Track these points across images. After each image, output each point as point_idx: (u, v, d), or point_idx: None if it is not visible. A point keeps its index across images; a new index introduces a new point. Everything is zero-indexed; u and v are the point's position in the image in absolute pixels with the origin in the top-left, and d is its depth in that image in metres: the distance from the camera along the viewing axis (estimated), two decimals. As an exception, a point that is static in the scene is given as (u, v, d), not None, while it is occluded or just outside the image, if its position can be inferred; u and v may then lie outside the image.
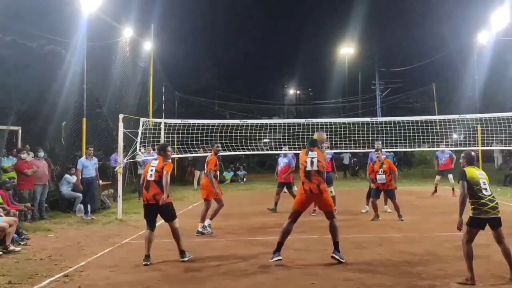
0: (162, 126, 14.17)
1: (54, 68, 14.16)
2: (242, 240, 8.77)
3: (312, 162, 6.86)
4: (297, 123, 15.38)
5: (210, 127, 14.75)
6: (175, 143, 15.11)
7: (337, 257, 6.71)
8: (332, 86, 41.97)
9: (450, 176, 14.96)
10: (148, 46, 20.50)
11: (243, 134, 14.34)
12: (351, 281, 5.89)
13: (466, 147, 16.07)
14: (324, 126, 14.66)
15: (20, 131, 13.94)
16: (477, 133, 15.77)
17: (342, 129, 15.77)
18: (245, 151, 14.07)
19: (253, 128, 14.59)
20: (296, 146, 13.95)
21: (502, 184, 18.02)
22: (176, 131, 14.39)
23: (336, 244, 6.82)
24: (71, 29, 14.21)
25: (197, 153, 15.09)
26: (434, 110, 26.53)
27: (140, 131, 12.29)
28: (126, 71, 18.31)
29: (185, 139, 14.06)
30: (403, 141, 14.00)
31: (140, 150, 12.46)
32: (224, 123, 14.90)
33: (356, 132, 15.24)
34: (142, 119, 12.77)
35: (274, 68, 55.35)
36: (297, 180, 8.33)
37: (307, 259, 7.00)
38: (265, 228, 9.97)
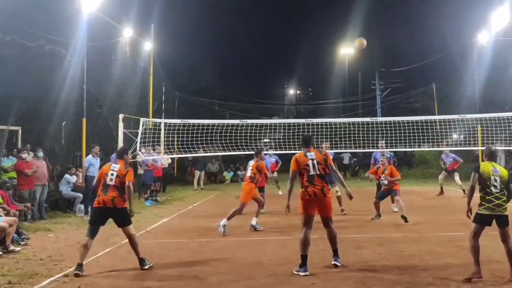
0: (162, 126, 14.17)
1: (54, 68, 14.16)
2: (242, 240, 8.77)
3: (313, 165, 6.55)
4: (297, 123, 15.39)
5: (210, 127, 14.77)
6: (175, 143, 15.13)
7: (338, 263, 6.49)
8: (332, 86, 41.95)
9: (457, 178, 14.86)
10: (148, 46, 20.49)
11: (243, 134, 14.34)
12: (351, 281, 5.89)
13: (466, 147, 16.09)
14: (324, 126, 14.66)
15: (20, 131, 13.93)
16: (477, 133, 15.76)
17: (342, 129, 15.77)
18: (245, 151, 14.06)
19: (253, 128, 14.59)
20: (296, 146, 13.95)
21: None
22: (176, 131, 14.40)
23: (335, 251, 6.60)
24: (71, 29, 14.20)
25: (197, 153, 15.11)
26: (434, 110, 26.50)
27: (140, 131, 12.30)
28: (126, 71, 18.30)
29: (185, 139, 14.07)
30: (403, 141, 14.01)
31: (140, 150, 12.47)
32: (224, 123, 14.91)
33: (356, 132, 15.24)
34: (142, 119, 12.79)
35: (274, 68, 55.24)
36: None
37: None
38: (265, 228, 9.96)
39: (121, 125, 11.76)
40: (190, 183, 21.01)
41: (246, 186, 9.74)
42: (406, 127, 13.93)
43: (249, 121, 14.96)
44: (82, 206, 12.09)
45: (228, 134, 14.37)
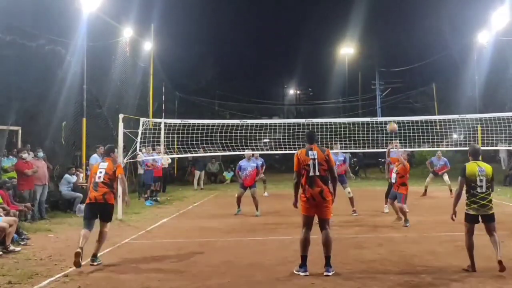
0: (162, 126, 14.16)
1: (54, 68, 14.16)
2: (242, 240, 8.77)
3: (314, 166, 6.27)
4: (297, 123, 15.36)
5: (210, 127, 14.75)
6: (175, 143, 15.11)
7: (329, 274, 6.10)
8: (332, 86, 41.94)
9: (446, 177, 15.07)
10: (148, 46, 20.50)
11: (243, 134, 14.33)
12: (351, 281, 5.89)
13: (466, 147, 16.06)
14: (324, 126, 14.65)
15: (20, 131, 13.93)
16: (477, 133, 15.75)
17: (342, 129, 15.76)
18: (245, 151, 14.03)
19: (253, 128, 14.58)
20: (296, 146, 13.94)
21: (502, 184, 18.02)
22: (176, 131, 14.38)
23: (328, 259, 6.21)
24: (71, 29, 14.20)
25: (197, 153, 15.09)
26: (434, 110, 26.52)
27: (140, 131, 12.29)
28: (126, 71, 18.30)
29: (185, 139, 14.05)
30: (403, 141, 13.97)
31: (140, 150, 12.46)
32: (224, 123, 14.89)
33: (356, 132, 15.23)
34: (142, 119, 12.77)
35: (274, 68, 55.22)
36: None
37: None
38: (265, 228, 9.97)
39: (121, 125, 11.74)
40: (190, 183, 21.01)
41: None
42: (406, 127, 13.91)
43: (249, 121, 14.93)
44: (82, 206, 12.06)
45: (228, 134, 14.36)
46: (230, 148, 14.15)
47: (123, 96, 18.06)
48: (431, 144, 14.89)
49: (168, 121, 14.88)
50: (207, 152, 14.20)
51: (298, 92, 55.32)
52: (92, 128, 15.13)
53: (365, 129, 15.24)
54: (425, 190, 15.40)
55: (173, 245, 8.30)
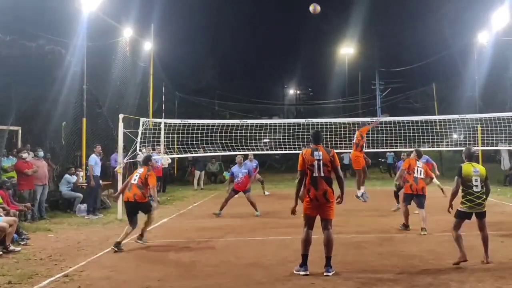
0: (162, 126, 14.16)
1: (54, 68, 14.16)
2: (242, 240, 8.77)
3: (318, 166, 6.19)
4: (297, 123, 15.36)
5: (210, 127, 14.75)
6: (175, 143, 15.11)
7: (330, 274, 6.08)
8: (332, 86, 41.92)
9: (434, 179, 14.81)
10: (148, 46, 20.49)
11: (243, 134, 14.33)
12: (351, 281, 5.89)
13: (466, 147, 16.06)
14: (324, 126, 14.64)
15: (20, 131, 13.94)
16: (477, 133, 15.76)
17: (342, 129, 15.75)
18: (245, 151, 14.06)
19: (253, 128, 14.58)
20: (296, 146, 13.96)
21: (502, 184, 18.02)
22: (176, 131, 14.38)
23: (328, 260, 6.18)
24: (71, 29, 14.20)
25: (197, 153, 15.07)
26: (434, 110, 26.47)
27: (140, 131, 12.29)
28: (126, 71, 18.30)
29: (185, 139, 14.05)
30: (403, 141, 13.99)
31: (140, 150, 12.46)
32: (224, 123, 14.89)
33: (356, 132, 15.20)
34: (142, 119, 12.77)
35: (274, 68, 55.19)
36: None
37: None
38: (265, 228, 9.96)
39: (121, 125, 11.74)
40: (190, 183, 21.01)
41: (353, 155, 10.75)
42: (406, 127, 13.91)
43: (249, 121, 14.93)
44: (82, 206, 12.09)
45: (228, 134, 14.36)
46: (230, 148, 14.16)
47: (123, 96, 18.06)
48: (431, 144, 14.88)
49: (168, 121, 14.88)
50: (207, 152, 14.21)
51: (298, 92, 55.31)
52: (92, 128, 15.13)
53: (365, 129, 15.20)
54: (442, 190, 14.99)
55: (173, 245, 8.31)
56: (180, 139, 14.17)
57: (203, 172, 20.52)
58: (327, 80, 42.93)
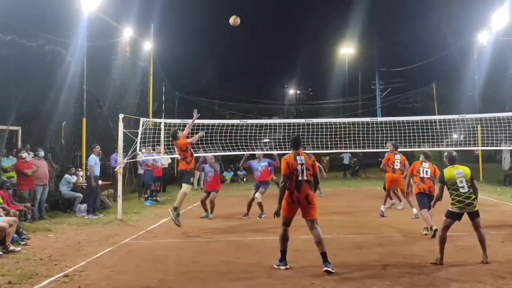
0: (162, 126, 14.14)
1: (54, 68, 14.16)
2: (242, 240, 8.77)
3: (302, 171, 6.46)
4: (297, 123, 15.35)
5: (210, 127, 14.73)
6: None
7: (330, 269, 6.16)
8: (332, 86, 41.97)
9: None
10: (148, 46, 20.50)
11: (243, 134, 14.31)
12: (351, 281, 5.89)
13: (466, 147, 16.05)
14: (324, 126, 14.64)
15: (20, 131, 13.94)
16: (477, 133, 15.75)
17: (342, 129, 15.74)
18: (245, 151, 14.04)
19: (253, 128, 14.56)
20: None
21: (502, 184, 18.02)
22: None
23: (325, 255, 6.31)
24: (71, 29, 14.20)
25: (197, 153, 15.04)
26: (434, 110, 26.48)
27: (140, 131, 12.28)
28: (126, 71, 18.30)
29: (185, 139, 14.01)
30: (403, 141, 13.97)
31: (141, 150, 12.46)
32: (224, 123, 14.87)
33: (356, 132, 15.21)
34: (142, 119, 12.76)
35: (274, 68, 55.29)
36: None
37: (307, 259, 6.99)
38: (265, 228, 9.96)
39: (121, 125, 11.74)
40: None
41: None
42: (406, 127, 13.90)
43: (249, 121, 14.90)
44: (82, 206, 12.09)
45: (228, 134, 14.34)
46: (230, 148, 14.13)
47: (123, 96, 18.06)
48: (431, 144, 14.87)
49: (168, 121, 14.85)
50: (207, 152, 14.15)
51: (298, 92, 55.39)
52: (92, 128, 15.13)
53: (365, 129, 15.22)
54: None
55: (173, 245, 8.31)
56: (180, 139, 14.13)
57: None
58: (327, 80, 43.01)
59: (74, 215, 11.91)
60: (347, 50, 38.76)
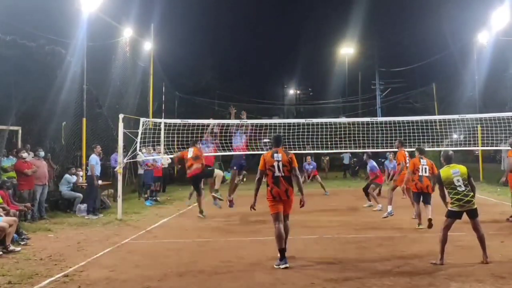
0: (162, 126, 14.14)
1: (54, 68, 14.18)
2: (242, 240, 8.77)
3: (278, 167, 6.86)
4: (297, 123, 15.34)
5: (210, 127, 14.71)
6: (175, 143, 15.09)
7: (282, 267, 6.46)
8: (332, 86, 41.96)
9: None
10: (148, 46, 20.50)
11: (243, 134, 14.29)
12: (351, 281, 5.89)
13: (466, 147, 16.06)
14: (324, 126, 14.63)
15: (20, 131, 13.93)
16: (477, 133, 15.75)
17: (342, 129, 15.73)
18: (245, 151, 14.03)
19: (253, 128, 14.55)
20: (296, 146, 13.94)
21: (502, 184, 17.98)
22: (176, 131, 14.35)
23: (283, 252, 6.61)
24: (71, 29, 14.21)
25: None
26: (434, 110, 26.50)
27: (140, 131, 12.28)
28: (126, 71, 18.32)
29: (185, 139, 14.02)
30: (403, 141, 13.97)
31: (141, 150, 12.46)
32: (224, 123, 14.87)
33: (356, 132, 15.20)
34: (142, 119, 12.76)
35: (274, 68, 55.34)
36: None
37: (307, 259, 7.00)
38: (265, 228, 9.95)
39: (121, 125, 11.74)
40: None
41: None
42: (406, 127, 13.89)
43: (249, 121, 14.92)
44: (82, 206, 12.08)
45: (228, 134, 14.33)
46: (230, 148, 14.13)
47: (123, 96, 18.07)
48: (431, 144, 14.87)
49: (168, 121, 14.85)
50: (207, 152, 14.14)
51: (298, 92, 55.37)
52: (92, 128, 15.13)
53: (365, 129, 15.21)
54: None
55: (173, 245, 8.30)
56: (180, 139, 14.15)
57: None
58: (327, 80, 43.00)
59: (74, 215, 11.91)
60: (347, 50, 38.74)
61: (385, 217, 10.76)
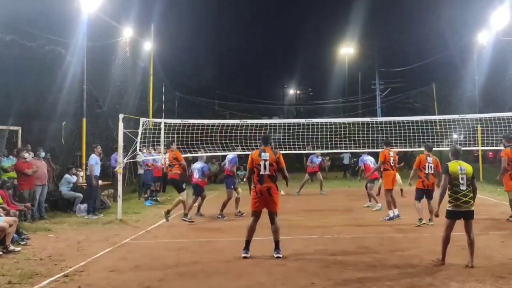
0: (162, 126, 14.16)
1: (54, 68, 14.16)
2: (242, 240, 8.73)
3: (265, 166, 7.11)
4: (297, 123, 15.36)
5: (210, 127, 14.74)
6: (175, 143, 15.10)
7: (279, 255, 7.05)
8: (332, 86, 41.98)
9: (398, 176, 14.29)
10: (148, 46, 20.49)
11: (243, 134, 14.32)
12: (351, 281, 5.89)
13: (466, 147, 16.06)
14: (324, 126, 14.64)
15: (20, 131, 13.92)
16: (477, 133, 15.76)
17: (342, 129, 15.74)
18: (245, 151, 14.06)
19: (253, 128, 14.57)
20: (296, 146, 13.95)
21: (502, 184, 17.99)
22: (176, 131, 14.37)
23: (277, 244, 7.17)
24: (71, 29, 14.21)
25: (197, 153, 15.06)
26: (434, 110, 26.49)
27: (140, 131, 12.28)
28: (126, 71, 18.31)
29: (185, 139, 14.04)
30: (403, 141, 13.99)
31: (141, 150, 12.46)
32: (224, 123, 14.88)
33: (356, 132, 15.21)
34: (142, 119, 12.77)
35: (274, 68, 55.42)
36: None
37: (307, 259, 7.00)
38: (265, 228, 9.93)
39: (121, 125, 11.74)
40: (190, 183, 20.96)
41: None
42: (406, 127, 13.91)
43: (249, 121, 14.93)
44: (82, 206, 12.08)
45: (228, 134, 14.35)
46: (230, 148, 14.14)
47: (123, 96, 18.07)
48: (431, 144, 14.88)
49: (168, 121, 14.87)
50: (207, 152, 14.18)
51: (298, 92, 55.38)
52: (92, 128, 15.12)
53: (365, 129, 15.22)
54: (401, 190, 14.41)
55: (173, 245, 8.30)
56: (180, 139, 14.16)
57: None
58: (327, 80, 43.04)
59: (74, 215, 11.91)
60: (347, 50, 38.75)
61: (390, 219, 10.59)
